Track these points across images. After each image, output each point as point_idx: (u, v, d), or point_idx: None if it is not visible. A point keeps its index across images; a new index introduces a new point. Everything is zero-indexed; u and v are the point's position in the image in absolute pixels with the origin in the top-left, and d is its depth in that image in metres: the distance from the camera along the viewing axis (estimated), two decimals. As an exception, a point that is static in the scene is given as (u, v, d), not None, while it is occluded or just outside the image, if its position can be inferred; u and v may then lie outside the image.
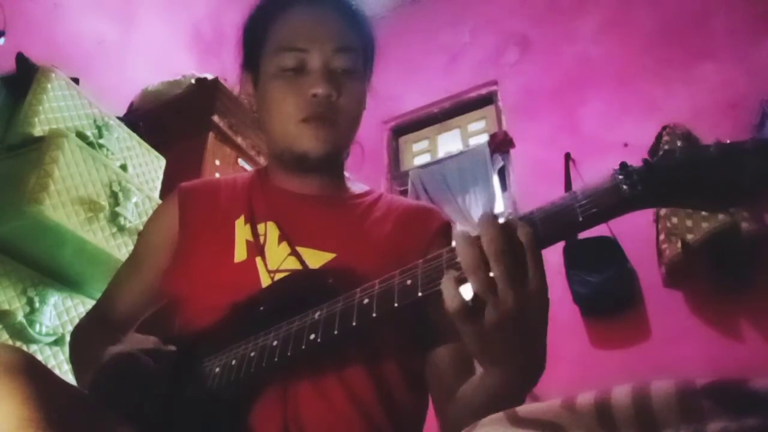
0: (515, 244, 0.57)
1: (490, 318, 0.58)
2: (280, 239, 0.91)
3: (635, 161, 0.59)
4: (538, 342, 0.63)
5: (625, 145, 2.66)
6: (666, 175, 0.55)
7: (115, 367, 0.74)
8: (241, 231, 0.94)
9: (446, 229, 0.98)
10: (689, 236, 2.30)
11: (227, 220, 0.97)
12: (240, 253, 0.92)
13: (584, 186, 0.60)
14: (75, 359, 1.03)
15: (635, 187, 0.55)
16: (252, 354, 0.73)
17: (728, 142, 0.53)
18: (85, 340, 1.02)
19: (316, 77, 0.91)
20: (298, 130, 0.93)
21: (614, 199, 0.56)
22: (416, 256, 0.68)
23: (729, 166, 0.52)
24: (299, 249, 0.90)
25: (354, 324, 0.67)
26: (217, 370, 0.77)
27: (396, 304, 0.64)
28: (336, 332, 0.68)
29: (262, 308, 0.80)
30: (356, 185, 1.06)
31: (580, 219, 0.57)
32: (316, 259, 0.88)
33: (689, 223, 2.32)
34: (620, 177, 0.57)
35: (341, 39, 0.94)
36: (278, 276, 0.87)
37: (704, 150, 0.54)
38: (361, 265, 0.76)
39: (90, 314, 1.10)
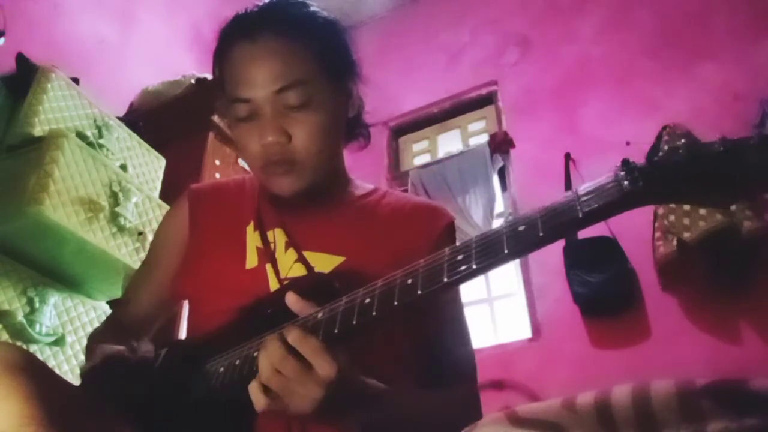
0: (292, 348, 0.66)
1: (295, 407, 0.67)
2: (287, 246, 0.92)
3: (636, 161, 0.59)
4: (357, 407, 0.72)
5: (628, 143, 2.66)
6: (669, 171, 0.55)
7: (103, 367, 0.78)
8: (252, 238, 0.95)
9: (452, 227, 0.99)
10: (686, 234, 2.30)
11: (238, 225, 0.97)
12: (251, 260, 0.92)
13: (587, 183, 0.60)
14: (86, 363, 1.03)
15: (636, 183, 0.55)
16: (255, 354, 0.74)
17: (733, 138, 0.53)
18: (96, 345, 1.02)
19: (263, 125, 0.87)
20: (263, 175, 0.92)
21: (615, 196, 0.56)
22: (423, 256, 0.68)
23: (733, 162, 0.52)
24: (308, 254, 0.91)
25: (354, 323, 0.67)
26: (221, 369, 0.78)
27: (396, 303, 0.65)
28: (336, 331, 0.68)
29: (269, 311, 0.80)
30: (361, 185, 1.06)
31: (581, 215, 0.57)
32: (325, 263, 0.89)
33: (686, 221, 2.32)
34: (622, 173, 0.57)
35: (284, 77, 0.87)
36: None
37: (708, 146, 0.54)
38: (370, 267, 0.77)
39: (106, 320, 1.11)
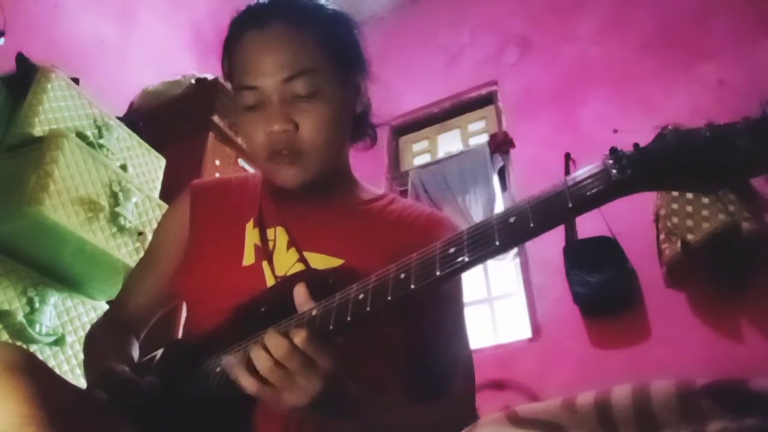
0: (296, 346, 0.67)
1: (290, 399, 0.67)
2: (289, 245, 0.91)
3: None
4: (348, 407, 0.72)
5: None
6: (657, 158, 0.55)
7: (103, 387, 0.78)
8: (251, 235, 0.94)
9: None
10: (689, 236, 2.30)
11: (237, 222, 0.97)
12: (248, 257, 0.92)
13: (576, 172, 0.60)
14: (85, 360, 1.03)
15: (625, 171, 0.55)
16: None
17: (720, 124, 0.53)
18: (94, 341, 1.03)
19: (270, 113, 0.87)
20: (267, 166, 0.92)
21: (604, 183, 0.56)
22: None
23: (721, 147, 0.52)
24: (308, 254, 0.90)
25: (348, 319, 0.68)
26: (218, 369, 0.78)
27: (389, 298, 0.65)
28: (331, 327, 0.68)
29: (263, 308, 0.80)
30: (368, 189, 1.05)
31: (570, 204, 0.57)
32: (324, 264, 0.89)
33: (689, 223, 2.32)
34: (610, 161, 0.57)
35: (292, 65, 0.87)
36: None
37: (696, 133, 0.54)
38: (368, 271, 0.78)
39: (105, 315, 1.11)
